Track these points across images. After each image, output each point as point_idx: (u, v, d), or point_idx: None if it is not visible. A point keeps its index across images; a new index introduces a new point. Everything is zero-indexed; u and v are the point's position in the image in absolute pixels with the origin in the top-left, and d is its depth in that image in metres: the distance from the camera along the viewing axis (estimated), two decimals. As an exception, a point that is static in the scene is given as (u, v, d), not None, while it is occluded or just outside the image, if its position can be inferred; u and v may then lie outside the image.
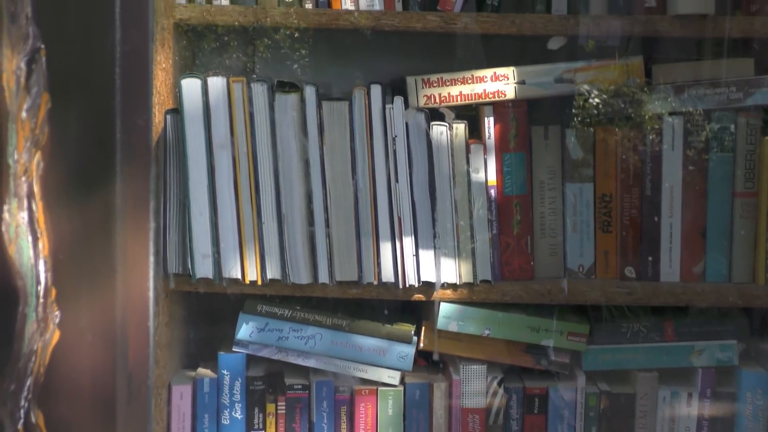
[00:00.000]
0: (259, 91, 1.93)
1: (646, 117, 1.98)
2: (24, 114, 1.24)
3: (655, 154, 2.00)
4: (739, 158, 2.00)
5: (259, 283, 1.96)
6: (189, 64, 2.12)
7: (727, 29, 1.94)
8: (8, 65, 1.23)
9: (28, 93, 1.24)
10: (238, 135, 1.93)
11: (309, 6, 2.02)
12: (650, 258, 2.02)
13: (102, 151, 1.25)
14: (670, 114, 1.99)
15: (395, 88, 2.13)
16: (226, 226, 1.94)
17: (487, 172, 1.99)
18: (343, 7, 2.01)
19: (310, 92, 1.94)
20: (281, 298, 2.03)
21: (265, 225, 1.95)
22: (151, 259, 1.27)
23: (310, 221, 1.96)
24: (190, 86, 1.92)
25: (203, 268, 1.94)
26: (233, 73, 2.20)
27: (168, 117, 1.94)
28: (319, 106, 1.94)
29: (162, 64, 1.96)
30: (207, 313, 2.12)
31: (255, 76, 2.19)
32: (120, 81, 1.24)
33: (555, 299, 1.99)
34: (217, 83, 1.92)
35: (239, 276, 1.95)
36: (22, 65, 1.24)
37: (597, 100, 1.95)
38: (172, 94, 1.98)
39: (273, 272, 1.96)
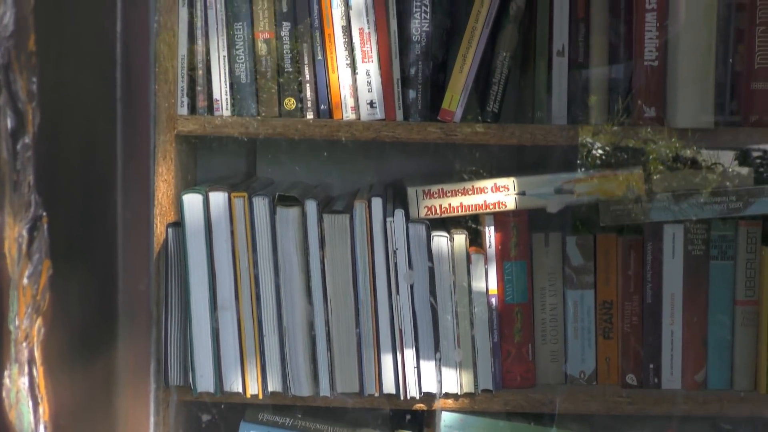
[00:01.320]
0: (261, 205, 1.94)
1: (647, 224, 1.99)
2: (25, 281, 1.25)
3: (655, 261, 2.01)
4: (740, 267, 2.01)
5: (260, 396, 1.96)
6: (190, 168, 2.12)
7: (729, 140, 1.95)
8: (10, 233, 1.23)
9: (30, 260, 1.25)
10: (239, 249, 1.94)
11: (310, 116, 2.03)
12: (651, 365, 2.02)
13: (103, 316, 1.26)
14: (671, 222, 1.99)
15: (396, 189, 2.14)
16: (227, 340, 1.95)
17: (487, 281, 1.99)
18: (344, 115, 2.02)
19: (310, 207, 1.94)
20: (283, 406, 2.03)
21: (266, 338, 1.95)
22: (152, 420, 1.27)
23: (312, 333, 1.96)
24: (192, 201, 1.93)
25: (204, 382, 1.95)
26: (233, 168, 2.21)
27: (170, 230, 1.95)
28: (320, 220, 1.95)
29: (163, 175, 1.96)
30: (209, 422, 2.12)
31: (255, 178, 2.20)
32: (121, 247, 1.24)
33: (556, 409, 1.99)
34: (218, 198, 1.93)
35: (240, 389, 1.96)
36: (24, 233, 1.24)
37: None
38: (173, 205, 1.98)
39: (274, 385, 1.96)
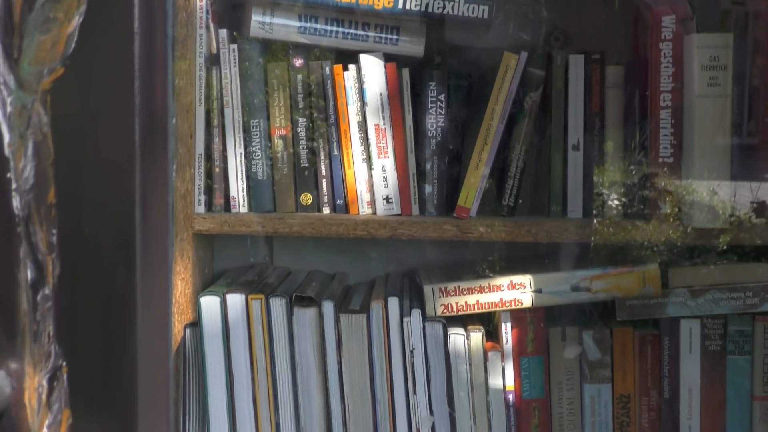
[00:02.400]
0: (278, 305, 1.95)
1: (663, 318, 1.99)
2: (45, 431, 1.25)
3: (672, 356, 2.01)
4: (757, 362, 2.00)
5: (279, 497, 1.97)
6: (207, 261, 2.13)
7: (745, 238, 1.95)
8: (30, 383, 1.24)
9: (50, 410, 1.26)
10: (256, 350, 1.94)
11: (326, 210, 2.04)
12: (669, 460, 2.02)
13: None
14: (687, 317, 1.99)
15: (412, 281, 2.15)
16: (245, 440, 1.95)
17: (504, 377, 1.99)
18: (360, 210, 2.03)
19: (327, 307, 1.95)
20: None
21: (285, 438, 1.96)
22: None
23: (329, 432, 1.97)
24: (209, 303, 1.93)
25: (223, 483, 1.95)
26: (250, 256, 2.22)
27: (187, 330, 1.95)
28: (337, 320, 1.95)
29: (181, 274, 1.97)
30: None
31: (273, 267, 2.21)
32: (141, 392, 1.25)
33: (574, 506, 1.99)
34: (235, 300, 1.94)
35: (259, 490, 1.96)
36: (44, 383, 1.25)
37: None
38: (191, 303, 1.99)
39: (292, 484, 1.97)
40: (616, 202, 2.00)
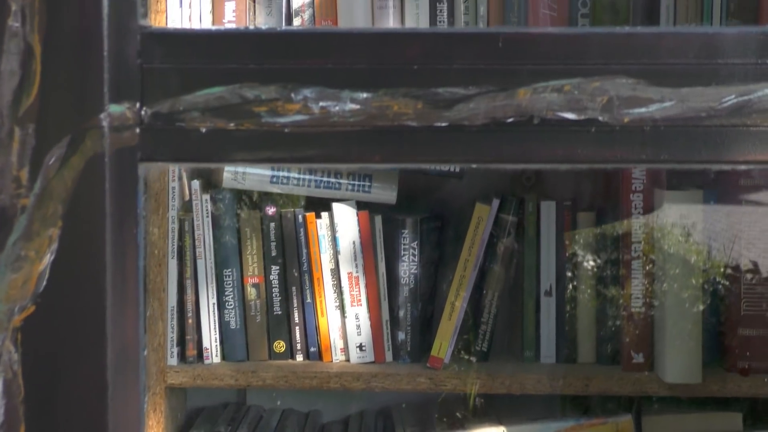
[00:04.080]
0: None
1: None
2: None
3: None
4: None
5: None
6: (180, 404, 2.13)
7: (716, 390, 1.96)
8: None
9: None
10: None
11: (300, 358, 2.04)
12: None
13: None
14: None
15: (386, 419, 2.15)
16: None
17: None
18: (334, 358, 2.04)
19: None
20: None
21: None
22: None
23: None
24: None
25: None
26: (223, 396, 2.22)
27: (161, 487, 1.95)
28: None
29: (153, 428, 1.97)
30: None
31: (246, 407, 2.20)
32: None
33: None
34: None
35: None
36: None
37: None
38: (164, 458, 1.99)
39: None
40: (589, 347, 2.01)
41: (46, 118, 0.70)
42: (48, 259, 0.69)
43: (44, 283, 0.69)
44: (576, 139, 0.70)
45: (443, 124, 0.70)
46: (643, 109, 0.70)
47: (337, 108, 0.70)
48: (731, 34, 0.69)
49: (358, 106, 0.70)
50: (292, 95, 0.70)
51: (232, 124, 0.70)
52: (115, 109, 0.70)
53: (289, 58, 0.71)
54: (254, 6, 2.01)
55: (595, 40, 0.70)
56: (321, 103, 0.70)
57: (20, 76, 0.69)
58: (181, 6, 1.97)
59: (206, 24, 1.99)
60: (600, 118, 0.70)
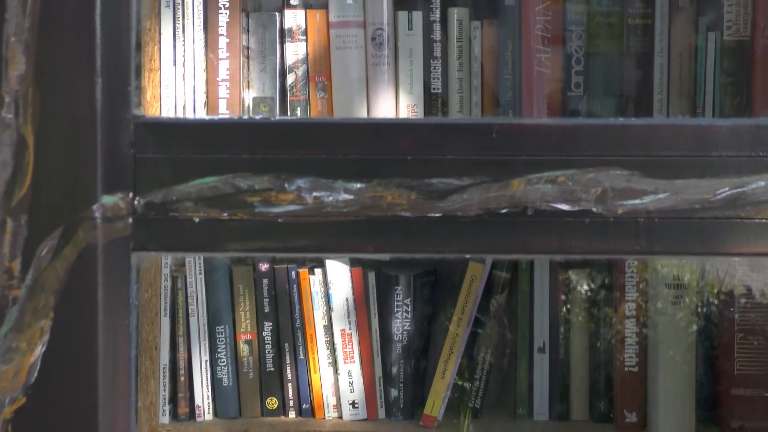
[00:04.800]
0: None
1: None
2: None
3: None
4: None
5: None
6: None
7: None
8: None
9: None
10: None
11: (292, 415, 2.03)
12: None
13: None
14: None
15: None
16: None
17: None
18: (326, 415, 2.02)
19: None
20: None
21: None
22: None
23: None
24: None
25: None
26: None
27: None
28: None
29: (145, 487, 1.96)
30: None
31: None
32: None
33: None
34: None
35: None
36: None
37: None
38: None
39: None
40: (582, 406, 2.00)
41: (38, 210, 0.69)
42: (39, 350, 0.69)
43: (35, 374, 0.69)
44: (570, 231, 0.70)
45: (437, 215, 0.70)
46: (637, 201, 0.69)
47: (330, 198, 0.70)
48: (725, 126, 0.70)
49: (351, 197, 0.70)
50: (286, 185, 0.70)
51: (225, 214, 0.70)
52: (108, 199, 0.69)
53: (282, 148, 0.70)
54: (248, 63, 2.01)
55: (589, 131, 0.70)
56: (314, 193, 0.70)
57: (13, 167, 0.69)
58: (174, 64, 1.97)
59: (200, 81, 1.99)
60: (594, 210, 0.70)
